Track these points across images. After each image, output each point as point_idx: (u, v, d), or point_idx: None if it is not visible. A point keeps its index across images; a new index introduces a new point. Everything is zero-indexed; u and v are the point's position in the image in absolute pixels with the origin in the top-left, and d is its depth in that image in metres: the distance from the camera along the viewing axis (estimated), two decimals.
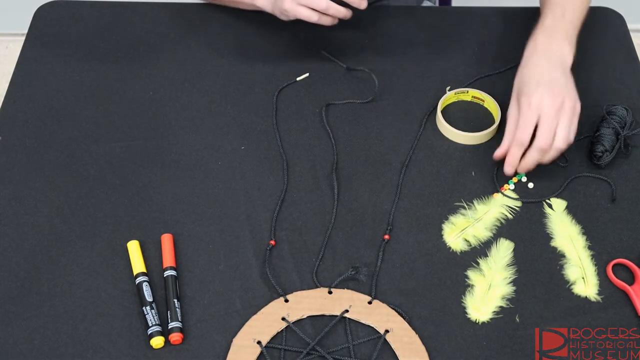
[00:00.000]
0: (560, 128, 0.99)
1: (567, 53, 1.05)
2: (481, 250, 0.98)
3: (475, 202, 1.02)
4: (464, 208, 1.02)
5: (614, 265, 0.97)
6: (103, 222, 1.00)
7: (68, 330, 0.91)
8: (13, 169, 1.06)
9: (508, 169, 1.02)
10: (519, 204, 1.02)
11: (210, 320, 0.92)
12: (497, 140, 1.09)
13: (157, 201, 1.03)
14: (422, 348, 0.90)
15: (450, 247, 0.98)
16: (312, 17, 1.08)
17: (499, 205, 1.02)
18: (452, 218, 1.01)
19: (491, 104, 1.12)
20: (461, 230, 1.00)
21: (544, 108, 0.99)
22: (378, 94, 1.14)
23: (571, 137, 1.00)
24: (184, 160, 1.07)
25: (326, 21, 1.09)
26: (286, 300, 0.93)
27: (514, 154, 1.01)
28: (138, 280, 0.94)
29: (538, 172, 1.03)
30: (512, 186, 1.04)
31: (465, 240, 0.99)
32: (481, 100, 1.13)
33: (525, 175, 1.05)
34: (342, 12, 1.09)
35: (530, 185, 1.04)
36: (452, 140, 1.10)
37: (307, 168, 1.07)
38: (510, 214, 1.01)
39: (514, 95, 1.03)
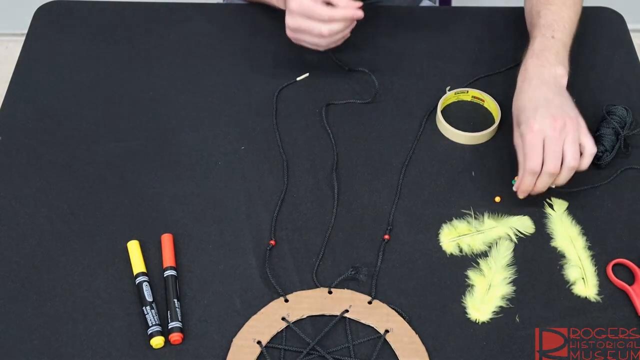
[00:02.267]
0: (567, 147, 0.95)
1: (560, 74, 1.01)
2: (479, 252, 0.98)
3: (486, 214, 1.01)
4: (471, 216, 1.01)
5: (614, 265, 0.97)
6: (103, 222, 1.00)
7: (68, 330, 0.91)
8: (13, 169, 1.06)
9: (521, 195, 1.00)
10: (531, 230, 1.00)
11: (210, 320, 0.92)
12: (497, 140, 1.09)
13: (157, 201, 1.03)
14: (422, 348, 0.90)
15: (442, 247, 0.98)
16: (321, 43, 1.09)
17: (508, 227, 1.00)
18: (456, 222, 1.00)
19: (491, 104, 1.12)
20: (458, 235, 0.99)
21: (547, 131, 0.95)
22: (378, 94, 1.14)
23: (589, 149, 0.97)
24: (184, 160, 1.07)
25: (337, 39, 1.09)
26: (286, 300, 0.93)
27: (527, 182, 0.98)
28: (138, 280, 0.94)
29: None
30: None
31: (459, 246, 0.98)
32: (481, 100, 1.13)
33: None
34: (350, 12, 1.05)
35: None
36: (452, 140, 1.10)
37: (307, 168, 1.07)
38: (516, 237, 0.99)
39: (515, 125, 1.00)
